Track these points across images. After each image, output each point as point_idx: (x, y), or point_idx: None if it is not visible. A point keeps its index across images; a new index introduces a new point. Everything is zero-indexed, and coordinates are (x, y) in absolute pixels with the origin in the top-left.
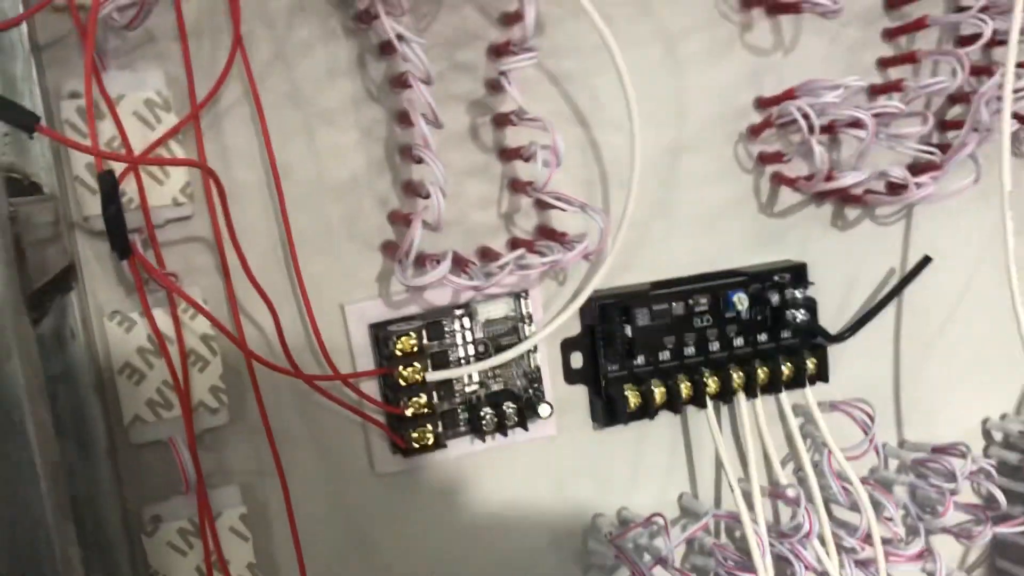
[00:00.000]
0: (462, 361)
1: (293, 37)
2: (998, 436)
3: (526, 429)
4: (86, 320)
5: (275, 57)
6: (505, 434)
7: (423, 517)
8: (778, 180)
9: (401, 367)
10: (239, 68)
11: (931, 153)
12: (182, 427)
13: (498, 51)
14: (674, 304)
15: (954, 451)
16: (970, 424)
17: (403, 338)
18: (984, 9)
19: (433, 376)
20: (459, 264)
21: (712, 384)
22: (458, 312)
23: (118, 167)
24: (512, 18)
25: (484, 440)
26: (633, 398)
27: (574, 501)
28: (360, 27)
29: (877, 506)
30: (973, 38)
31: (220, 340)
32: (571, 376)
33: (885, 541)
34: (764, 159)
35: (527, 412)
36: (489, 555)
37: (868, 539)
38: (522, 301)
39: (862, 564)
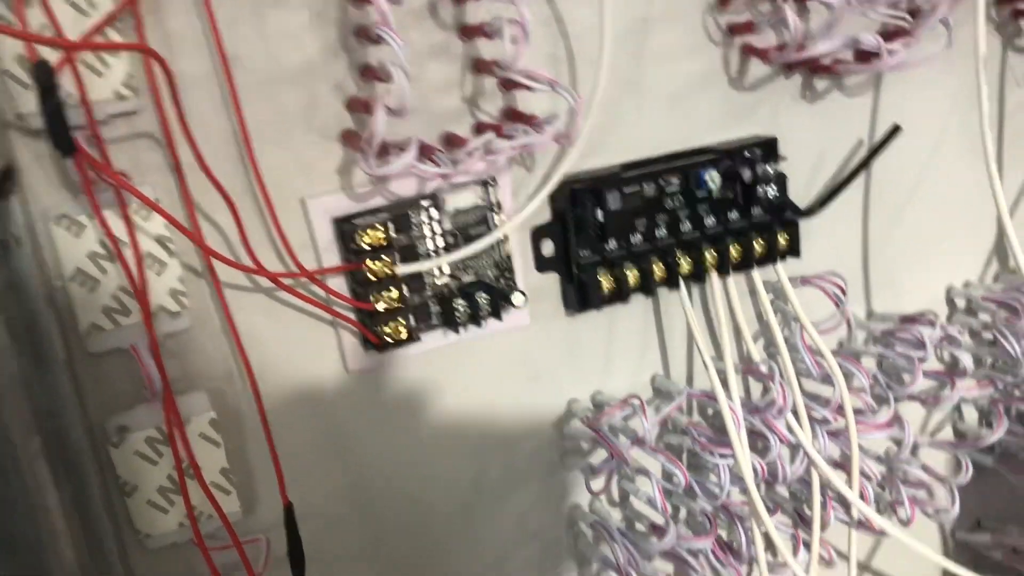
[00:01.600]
0: (431, 253)
1: None
2: (961, 303)
3: (500, 319)
4: (30, 227)
5: None
6: (479, 325)
7: (399, 413)
8: (748, 51)
9: (369, 261)
10: None
11: (902, 19)
12: (143, 333)
13: None
14: (645, 185)
15: (923, 320)
16: (934, 293)
17: (370, 231)
18: None
19: (403, 269)
20: (424, 152)
21: (685, 264)
22: (425, 203)
23: (53, 58)
24: None
25: (458, 332)
26: (606, 283)
27: (549, 389)
28: None
29: (847, 377)
30: None
31: (177, 241)
32: (543, 264)
33: (856, 411)
34: (734, 30)
35: (500, 302)
36: (466, 446)
37: (840, 410)
38: (490, 189)
39: (834, 435)
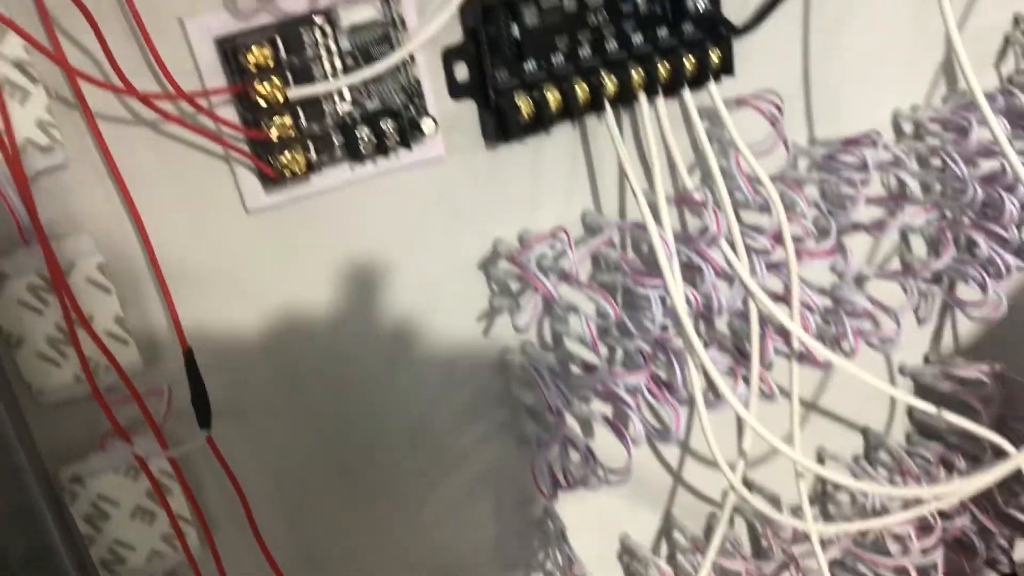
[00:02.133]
0: (328, 76)
1: None
2: (908, 128)
3: (409, 148)
4: None
5: None
6: (387, 155)
7: (308, 256)
8: None
9: (257, 83)
10: None
11: None
12: (6, 170)
13: None
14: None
15: (865, 140)
16: (880, 117)
17: (255, 49)
18: None
19: (296, 92)
20: None
21: (610, 85)
22: (317, 19)
23: None
24: None
25: (364, 163)
26: (525, 107)
27: (472, 228)
28: None
29: (788, 207)
30: None
31: (40, 65)
32: (456, 90)
33: (796, 239)
34: None
35: (409, 130)
36: (384, 292)
37: (779, 239)
38: (391, 3)
39: (774, 267)
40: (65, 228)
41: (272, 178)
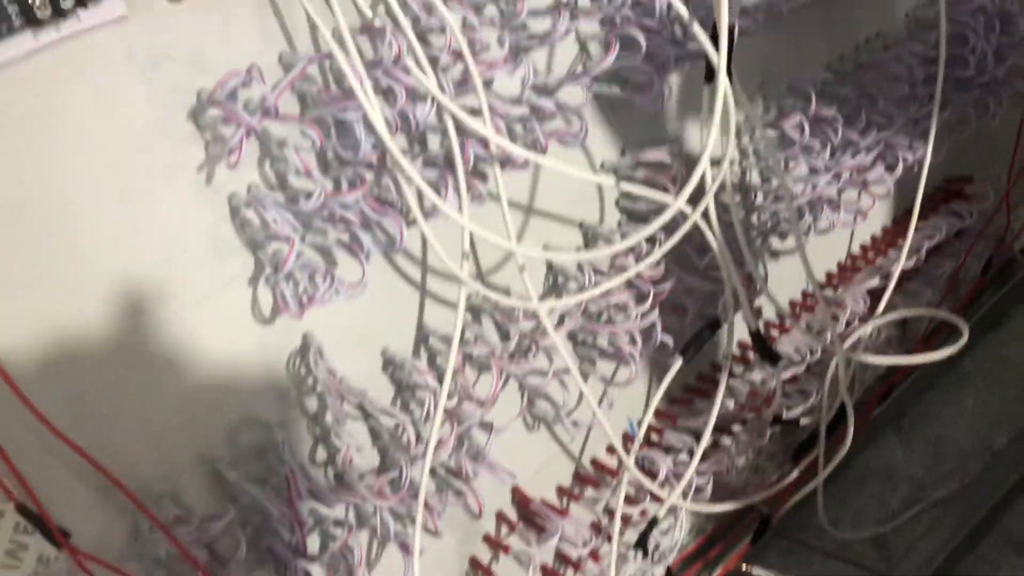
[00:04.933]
0: None
1: None
2: None
3: (86, 6)
4: None
5: None
6: (65, 17)
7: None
8: None
9: None
10: None
11: None
12: None
13: None
14: None
15: None
16: None
17: None
18: None
19: None
20: None
21: None
22: None
23: None
24: None
25: (42, 26)
26: None
27: (171, 83)
28: None
29: (467, 24)
30: None
31: None
32: None
33: (476, 52)
34: None
35: None
36: (83, 158)
37: (458, 55)
38: None
39: (463, 85)
40: None
41: None
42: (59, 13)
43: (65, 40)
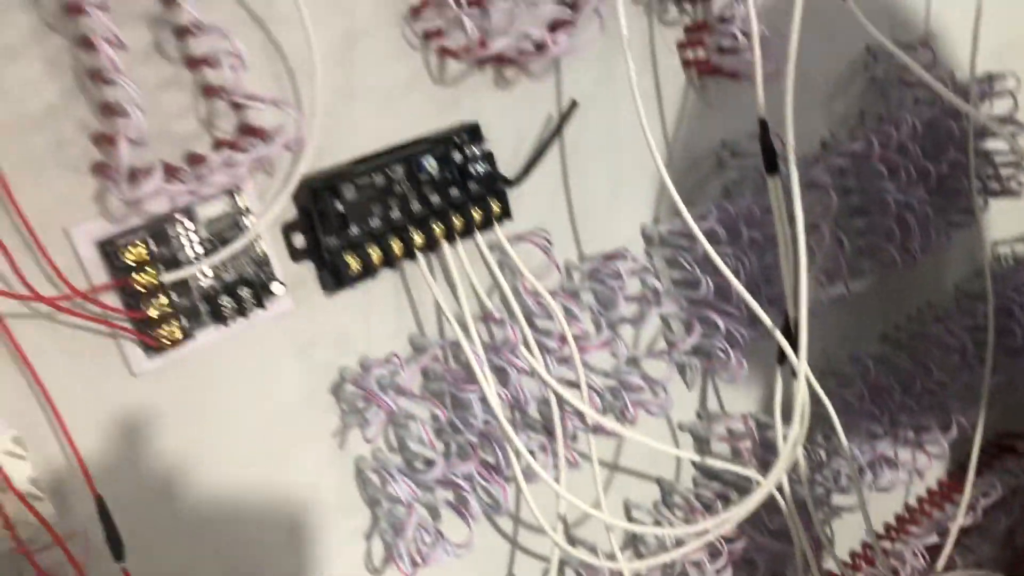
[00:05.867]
0: (192, 260)
1: None
2: (655, 237)
3: (264, 308)
4: None
5: None
6: (246, 315)
7: (189, 406)
8: (443, 53)
9: (135, 275)
10: None
11: (566, 6)
12: None
13: None
14: (374, 176)
15: (618, 256)
16: (632, 232)
17: (131, 248)
18: None
19: (168, 277)
20: (170, 172)
21: (418, 238)
22: (179, 216)
23: None
24: None
25: (227, 324)
26: (353, 263)
27: (321, 362)
28: None
29: (567, 312)
30: None
31: None
32: (296, 255)
33: (578, 337)
34: (428, 35)
35: (262, 293)
36: (249, 422)
37: (563, 339)
38: (237, 196)
39: (564, 360)
40: None
41: (154, 347)
42: (241, 312)
43: (244, 331)
